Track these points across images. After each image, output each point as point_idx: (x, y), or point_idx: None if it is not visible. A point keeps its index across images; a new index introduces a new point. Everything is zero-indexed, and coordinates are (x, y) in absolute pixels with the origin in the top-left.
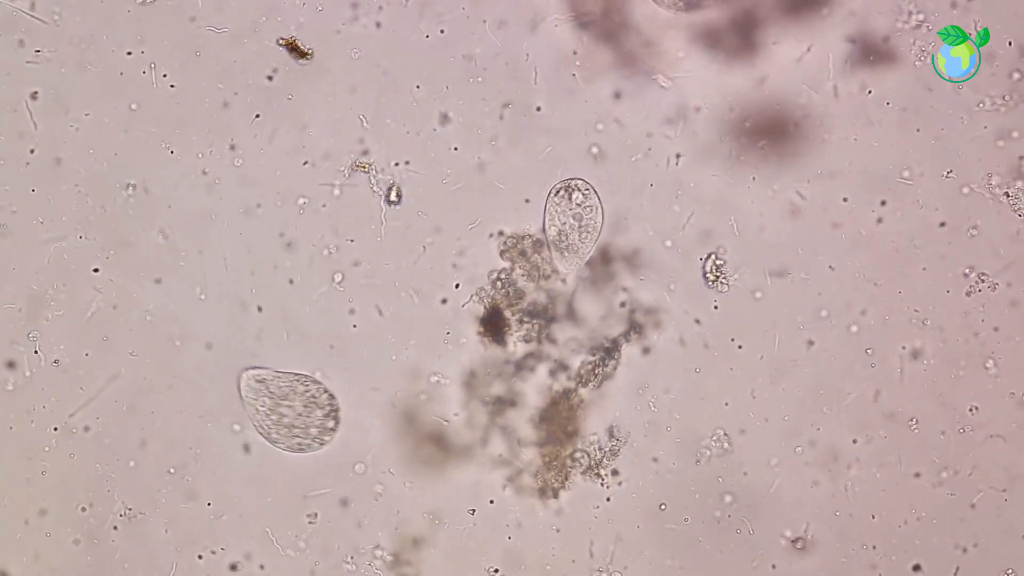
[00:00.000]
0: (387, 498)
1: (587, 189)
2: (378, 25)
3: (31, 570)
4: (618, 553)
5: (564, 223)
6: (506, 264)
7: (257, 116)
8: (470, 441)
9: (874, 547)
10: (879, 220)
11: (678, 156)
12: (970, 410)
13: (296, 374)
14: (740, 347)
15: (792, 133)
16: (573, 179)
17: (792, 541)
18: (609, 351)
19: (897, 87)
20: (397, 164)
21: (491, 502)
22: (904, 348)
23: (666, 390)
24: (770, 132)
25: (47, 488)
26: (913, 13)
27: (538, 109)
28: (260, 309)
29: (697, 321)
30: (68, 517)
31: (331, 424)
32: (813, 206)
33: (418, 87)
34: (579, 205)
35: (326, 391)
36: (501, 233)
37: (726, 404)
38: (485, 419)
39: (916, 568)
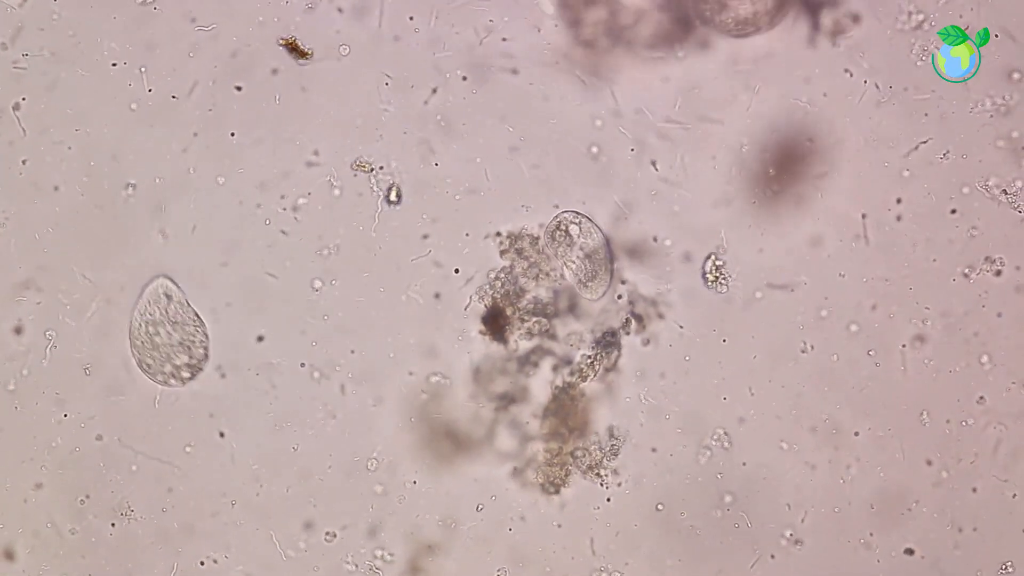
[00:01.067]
0: (390, 496)
1: (577, 219)
2: (340, 11)
3: (34, 549)
4: (618, 549)
5: (576, 262)
6: (505, 263)
7: (232, 135)
8: (476, 437)
9: (871, 534)
10: (898, 218)
11: (682, 158)
12: (979, 399)
13: (197, 315)
14: (733, 343)
15: (804, 152)
16: (561, 213)
17: (791, 540)
18: (608, 344)
19: (894, 80)
20: (380, 168)
21: (493, 497)
22: (904, 346)
23: (666, 388)
24: (783, 160)
25: (47, 476)
26: (913, 13)
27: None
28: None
29: (676, 318)
30: (68, 508)
31: (186, 375)
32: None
33: (386, 83)
34: (578, 236)
35: (205, 349)
36: (498, 234)
37: (724, 398)
38: (491, 415)
39: (908, 552)
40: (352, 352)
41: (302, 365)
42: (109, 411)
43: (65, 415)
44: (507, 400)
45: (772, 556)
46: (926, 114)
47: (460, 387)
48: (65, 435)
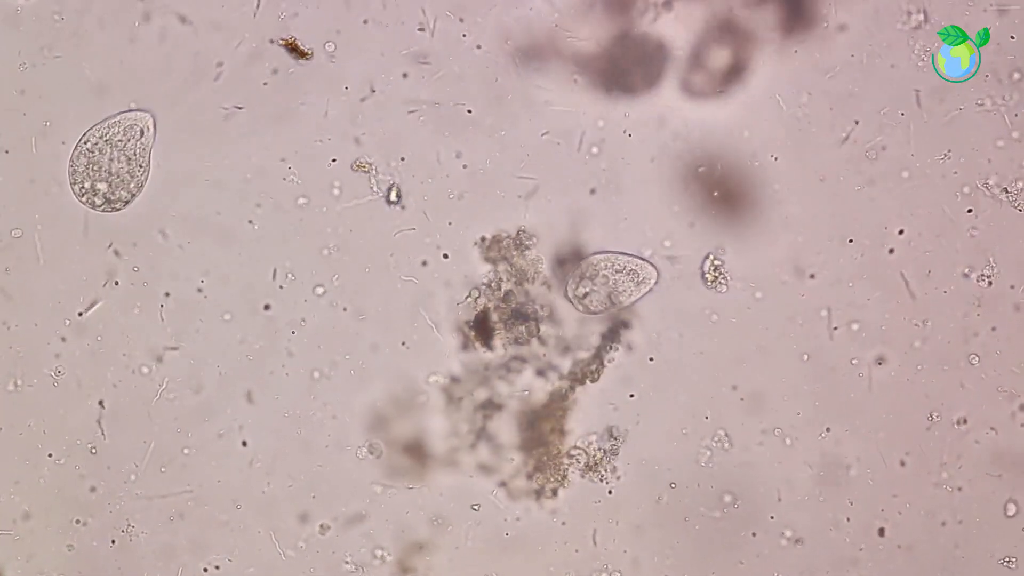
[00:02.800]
0: (386, 494)
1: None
2: (295, 14)
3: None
4: (617, 547)
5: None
6: (491, 268)
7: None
8: (458, 447)
9: (848, 520)
10: (891, 251)
11: (700, 168)
12: (958, 422)
13: (143, 169)
14: (733, 343)
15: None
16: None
17: (791, 539)
18: (601, 348)
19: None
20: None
21: (495, 490)
22: (878, 362)
23: (665, 388)
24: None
25: (42, 493)
26: (913, 13)
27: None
28: (267, 307)
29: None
30: (65, 525)
31: (97, 202)
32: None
33: (376, 89)
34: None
35: (144, 181)
36: (483, 239)
37: (735, 403)
38: (475, 424)
39: (880, 532)
40: (348, 350)
41: (292, 333)
42: (106, 408)
43: (47, 453)
44: (493, 407)
45: (753, 534)
46: (949, 121)
47: (455, 390)
48: (60, 443)
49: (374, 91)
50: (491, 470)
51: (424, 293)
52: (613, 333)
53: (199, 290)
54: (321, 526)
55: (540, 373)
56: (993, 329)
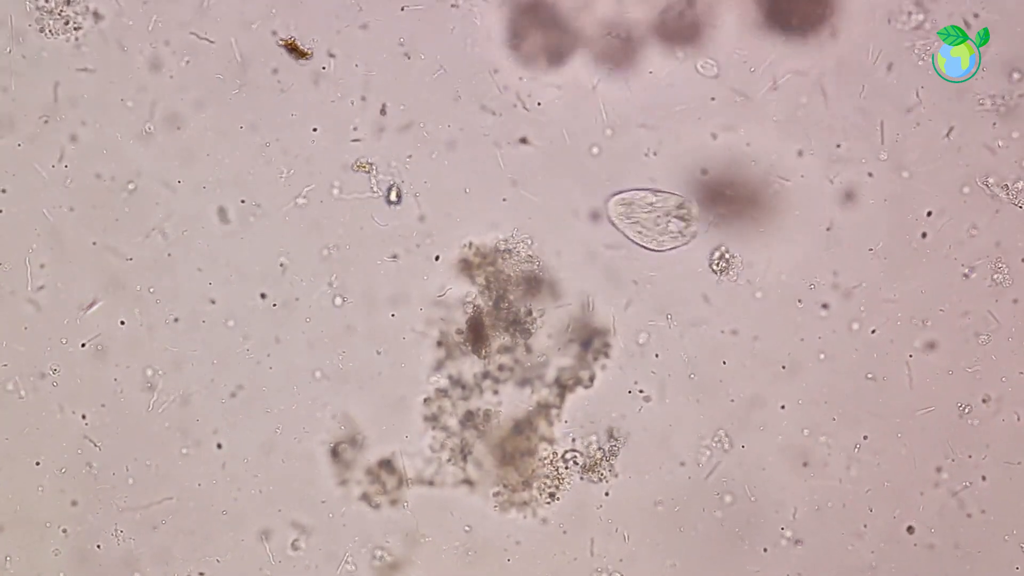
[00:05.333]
0: (384, 506)
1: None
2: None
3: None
4: (615, 548)
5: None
6: (480, 273)
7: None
8: (448, 459)
9: (864, 526)
10: (923, 235)
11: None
12: (983, 400)
13: None
14: (755, 340)
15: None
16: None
17: (791, 540)
18: (589, 354)
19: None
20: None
21: (468, 528)
22: (911, 356)
23: (664, 387)
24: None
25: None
26: (913, 13)
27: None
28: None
29: (666, 316)
30: (48, 532)
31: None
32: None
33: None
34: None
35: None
36: (470, 245)
37: (732, 400)
38: (463, 436)
39: (909, 530)
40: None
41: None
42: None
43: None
44: (481, 417)
45: (764, 550)
46: (917, 124)
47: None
48: (51, 450)
49: (384, 110)
50: (481, 483)
51: (418, 294)
52: (596, 340)
53: (210, 300)
54: (293, 544)
55: (525, 382)
56: (1014, 301)
